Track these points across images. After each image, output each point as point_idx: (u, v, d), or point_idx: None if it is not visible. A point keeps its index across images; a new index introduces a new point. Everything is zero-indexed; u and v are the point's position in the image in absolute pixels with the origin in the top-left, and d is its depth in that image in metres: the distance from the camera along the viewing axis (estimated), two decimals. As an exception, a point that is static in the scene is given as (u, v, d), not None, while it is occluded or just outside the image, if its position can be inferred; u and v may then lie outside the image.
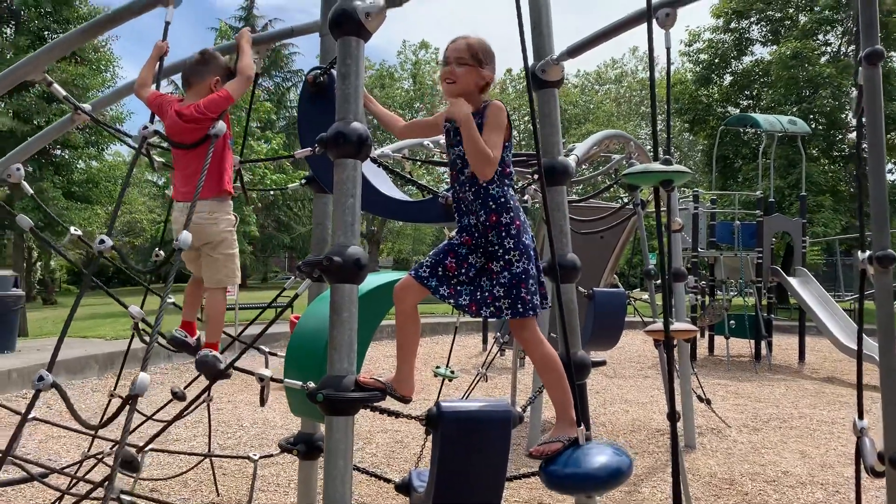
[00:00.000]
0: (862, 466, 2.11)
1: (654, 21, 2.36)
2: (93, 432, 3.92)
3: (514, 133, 2.81)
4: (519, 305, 2.52)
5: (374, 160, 3.15)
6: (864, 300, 2.15)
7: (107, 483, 1.68)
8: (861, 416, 2.10)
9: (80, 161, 21.40)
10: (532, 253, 2.59)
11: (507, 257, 2.53)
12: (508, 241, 2.53)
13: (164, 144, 4.06)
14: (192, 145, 2.88)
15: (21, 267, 21.23)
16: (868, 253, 2.03)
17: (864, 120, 2.18)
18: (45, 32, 20.49)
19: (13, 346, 10.58)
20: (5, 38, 20.41)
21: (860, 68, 1.90)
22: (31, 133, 19.02)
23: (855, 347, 11.19)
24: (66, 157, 20.83)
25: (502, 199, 2.57)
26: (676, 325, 4.01)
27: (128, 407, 1.84)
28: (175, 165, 3.11)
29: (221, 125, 2.55)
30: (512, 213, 2.56)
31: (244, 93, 3.00)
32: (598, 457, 2.33)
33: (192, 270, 3.19)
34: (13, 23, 20.70)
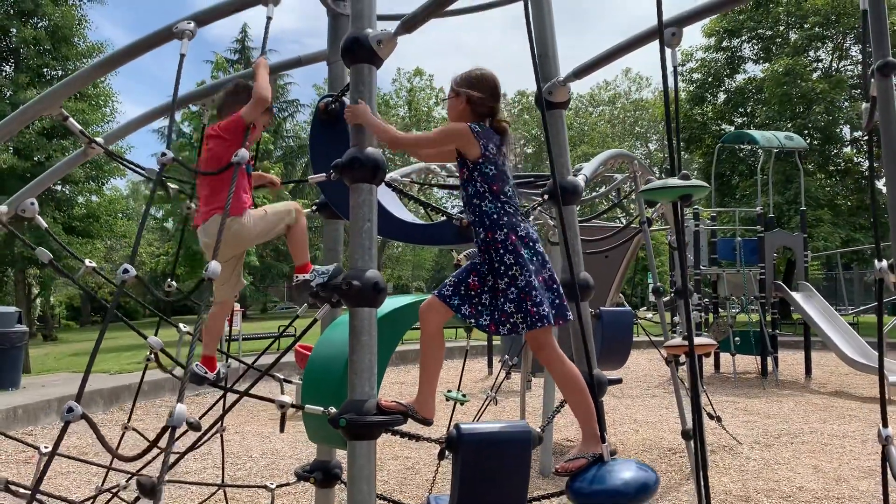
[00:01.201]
0: (890, 475, 2.11)
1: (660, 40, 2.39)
2: (107, 466, 3.91)
3: (513, 157, 2.93)
4: (529, 319, 2.54)
5: (387, 184, 3.17)
6: (882, 309, 2.16)
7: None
8: (885, 425, 2.10)
9: (80, 196, 21.49)
10: (534, 265, 2.59)
11: (510, 273, 2.57)
12: (508, 257, 2.57)
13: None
14: (213, 172, 2.91)
15: (23, 303, 21.21)
16: (885, 262, 2.04)
17: (870, 131, 2.21)
18: (45, 69, 20.67)
19: (18, 383, 10.52)
20: (5, 75, 20.60)
21: (872, 80, 1.94)
22: (32, 169, 19.11)
23: (862, 361, 11.19)
24: (67, 192, 20.92)
25: (495, 216, 2.62)
26: (696, 340, 4.01)
27: (163, 438, 1.83)
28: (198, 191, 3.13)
29: (244, 153, 2.56)
30: (506, 229, 2.60)
31: (258, 115, 2.99)
32: (625, 472, 2.32)
33: (216, 294, 3.19)
34: (12, 60, 20.91)
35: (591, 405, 2.61)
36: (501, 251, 2.58)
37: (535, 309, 2.53)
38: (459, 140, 2.67)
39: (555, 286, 2.65)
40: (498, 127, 2.77)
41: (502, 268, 2.57)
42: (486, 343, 15.19)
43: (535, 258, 2.61)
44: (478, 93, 2.75)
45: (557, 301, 2.63)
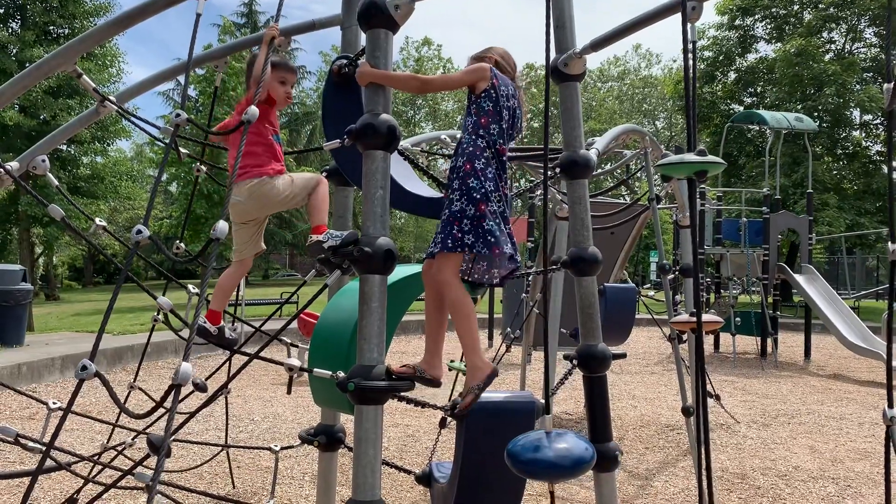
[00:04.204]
0: (893, 455, 2.12)
1: (677, 14, 2.36)
2: (113, 423, 3.95)
3: (525, 125, 2.99)
4: (449, 241, 2.57)
5: (400, 153, 3.16)
6: (894, 291, 2.16)
7: (155, 470, 1.69)
8: (892, 405, 2.11)
9: (85, 156, 21.44)
10: (480, 197, 2.58)
11: (451, 197, 2.64)
12: (455, 182, 2.65)
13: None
14: (223, 133, 2.96)
15: (27, 261, 21.26)
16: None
17: (890, 111, 2.20)
18: (51, 27, 20.50)
19: (22, 340, 10.61)
20: (11, 32, 20.42)
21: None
22: (37, 127, 19.01)
23: (862, 345, 11.21)
24: (72, 152, 20.86)
25: (465, 146, 2.70)
26: (703, 317, 4.02)
27: (170, 397, 1.85)
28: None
29: (253, 110, 2.54)
30: (465, 157, 2.66)
31: (261, 97, 2.96)
32: (562, 444, 2.34)
33: (237, 253, 3.24)
34: (18, 17, 20.72)
35: (473, 333, 2.63)
36: (454, 177, 2.66)
37: (460, 235, 2.56)
38: (479, 75, 2.77)
39: (500, 240, 2.62)
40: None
41: (450, 191, 2.65)
42: (486, 316, 15.26)
43: (490, 191, 2.62)
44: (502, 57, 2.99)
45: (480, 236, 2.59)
